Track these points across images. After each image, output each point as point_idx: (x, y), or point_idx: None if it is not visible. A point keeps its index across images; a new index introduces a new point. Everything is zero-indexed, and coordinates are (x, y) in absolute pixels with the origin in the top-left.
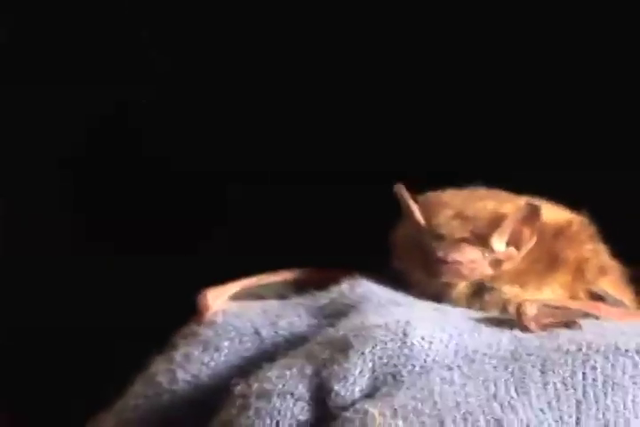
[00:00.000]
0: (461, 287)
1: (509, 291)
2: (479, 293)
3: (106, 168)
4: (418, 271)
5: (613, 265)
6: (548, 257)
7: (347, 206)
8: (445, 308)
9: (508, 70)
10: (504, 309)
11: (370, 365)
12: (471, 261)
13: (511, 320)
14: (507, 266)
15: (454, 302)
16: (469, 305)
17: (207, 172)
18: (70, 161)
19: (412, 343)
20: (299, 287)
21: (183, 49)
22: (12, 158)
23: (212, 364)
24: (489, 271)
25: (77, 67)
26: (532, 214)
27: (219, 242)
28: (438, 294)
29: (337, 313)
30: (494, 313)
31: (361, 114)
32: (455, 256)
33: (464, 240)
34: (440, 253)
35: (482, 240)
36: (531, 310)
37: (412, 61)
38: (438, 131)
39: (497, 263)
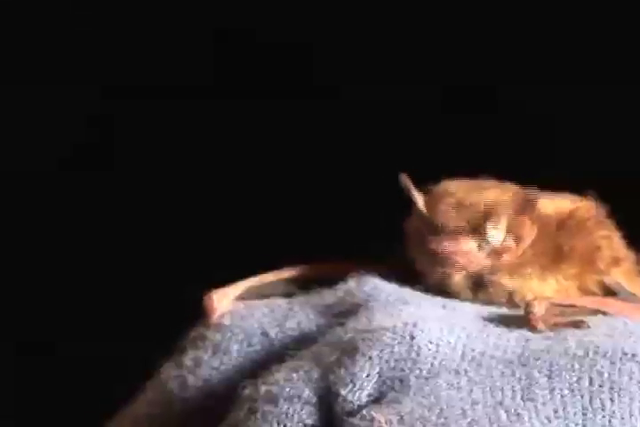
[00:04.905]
0: (459, 279)
1: (510, 283)
2: (481, 284)
3: None
4: (423, 260)
5: (627, 253)
6: (552, 250)
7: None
8: (454, 304)
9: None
10: (510, 299)
11: (377, 369)
12: (465, 252)
13: (520, 317)
14: (506, 258)
15: (457, 294)
16: (474, 297)
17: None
18: None
19: (420, 347)
20: (304, 284)
21: None
22: None
23: (223, 368)
24: (487, 263)
25: None
26: (526, 204)
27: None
28: (440, 285)
29: (345, 312)
30: (502, 306)
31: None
32: (449, 247)
33: (460, 230)
34: (433, 245)
35: (477, 231)
36: (539, 310)
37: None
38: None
39: (495, 255)
